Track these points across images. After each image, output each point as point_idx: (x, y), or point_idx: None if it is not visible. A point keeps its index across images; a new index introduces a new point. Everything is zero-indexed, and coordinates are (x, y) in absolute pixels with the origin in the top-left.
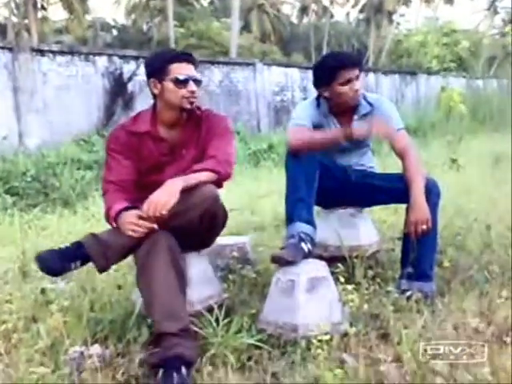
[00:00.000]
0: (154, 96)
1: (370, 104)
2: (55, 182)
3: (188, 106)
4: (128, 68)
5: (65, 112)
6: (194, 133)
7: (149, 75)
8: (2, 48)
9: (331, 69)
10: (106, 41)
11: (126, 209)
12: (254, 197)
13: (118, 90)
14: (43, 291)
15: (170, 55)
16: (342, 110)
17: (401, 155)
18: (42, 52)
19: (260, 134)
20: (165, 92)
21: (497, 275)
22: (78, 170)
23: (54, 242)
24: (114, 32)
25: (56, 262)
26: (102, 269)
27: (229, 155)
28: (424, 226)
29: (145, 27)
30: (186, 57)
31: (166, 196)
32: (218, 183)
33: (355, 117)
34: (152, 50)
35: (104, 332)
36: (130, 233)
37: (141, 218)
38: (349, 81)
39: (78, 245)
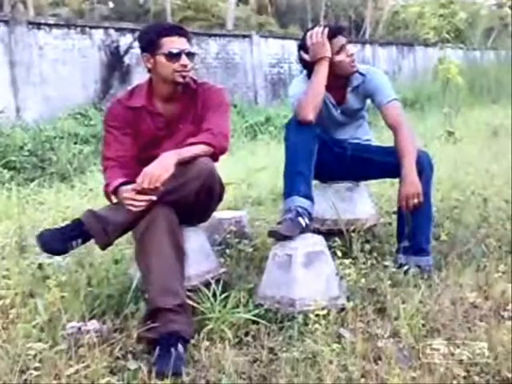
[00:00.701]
0: (149, 70)
1: (362, 75)
2: (52, 157)
3: (180, 80)
4: (124, 41)
5: (62, 86)
6: (190, 106)
7: (142, 50)
8: None
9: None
10: (103, 13)
11: (123, 184)
12: (251, 170)
13: (115, 63)
14: (40, 266)
15: (162, 29)
16: (337, 82)
17: (393, 128)
18: (38, 25)
19: (257, 106)
20: (157, 66)
21: (494, 249)
22: (75, 145)
23: (52, 217)
24: (111, 4)
25: (57, 242)
26: (104, 245)
27: (224, 128)
28: (415, 200)
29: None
30: (177, 30)
31: (159, 169)
32: (214, 156)
33: (348, 89)
34: (149, 22)
35: (101, 307)
36: (130, 207)
37: (138, 192)
38: (342, 48)
39: (77, 222)
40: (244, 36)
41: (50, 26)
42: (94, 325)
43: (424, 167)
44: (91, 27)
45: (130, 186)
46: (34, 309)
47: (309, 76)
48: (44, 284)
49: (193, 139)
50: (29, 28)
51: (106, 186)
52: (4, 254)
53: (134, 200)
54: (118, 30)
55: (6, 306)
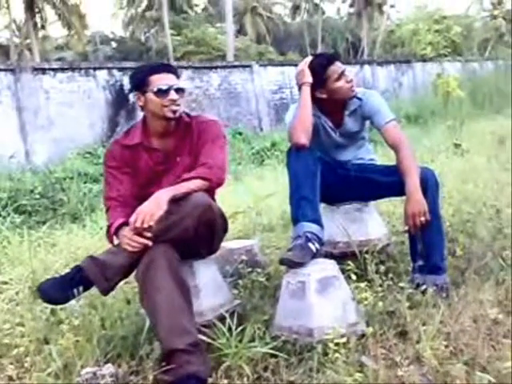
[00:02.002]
0: (142, 108)
1: (359, 99)
2: (63, 197)
3: (171, 115)
4: (128, 79)
5: (69, 127)
6: (185, 140)
7: (133, 89)
8: (5, 70)
9: (322, 67)
10: (107, 54)
11: (124, 224)
12: (259, 197)
13: (120, 102)
14: (53, 311)
15: (150, 68)
16: (334, 107)
17: (394, 147)
18: (43, 70)
19: (262, 132)
20: (148, 103)
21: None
22: (85, 184)
23: (64, 259)
24: (114, 44)
25: (57, 291)
26: (105, 291)
27: (220, 160)
28: (422, 218)
29: (143, 38)
30: (165, 67)
31: (152, 207)
32: (211, 190)
33: (346, 112)
34: (151, 60)
35: (116, 350)
36: (126, 247)
37: (135, 232)
38: (341, 74)
39: (77, 269)
40: (244, 66)
41: (54, 70)
42: (109, 369)
43: (429, 185)
44: (95, 68)
45: (127, 228)
46: (48, 356)
47: None
48: (58, 329)
49: (187, 174)
50: (34, 74)
51: (109, 227)
52: (18, 301)
53: (130, 240)
54: (120, 69)
55: (21, 355)
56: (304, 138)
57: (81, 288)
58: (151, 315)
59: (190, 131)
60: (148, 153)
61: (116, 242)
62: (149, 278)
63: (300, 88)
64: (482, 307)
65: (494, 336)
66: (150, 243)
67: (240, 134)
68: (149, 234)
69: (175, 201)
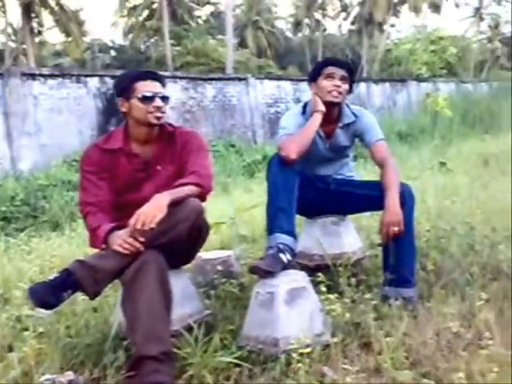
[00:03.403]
0: (124, 114)
1: (355, 115)
2: (44, 205)
3: (155, 122)
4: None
5: (57, 134)
6: (167, 149)
7: (117, 95)
8: None
9: (321, 63)
10: (105, 62)
11: (114, 229)
12: (243, 208)
13: (111, 110)
14: (18, 318)
15: (136, 74)
16: (329, 117)
17: (380, 164)
18: (32, 76)
19: (256, 145)
20: (132, 109)
21: (478, 276)
22: (68, 192)
23: (39, 266)
24: (113, 53)
25: (50, 295)
26: (93, 295)
27: (208, 169)
28: (396, 228)
29: (142, 47)
30: (151, 75)
31: (154, 210)
32: (202, 197)
33: (339, 124)
34: (150, 69)
35: (79, 357)
36: (119, 249)
37: (131, 235)
38: (332, 76)
39: (67, 273)
40: (240, 79)
41: (44, 76)
42: (69, 376)
43: (406, 199)
44: (86, 75)
45: (121, 231)
46: (11, 363)
47: (304, 108)
48: (23, 336)
49: (182, 180)
50: (23, 79)
51: (93, 231)
52: None
53: (124, 242)
54: (113, 77)
55: None
56: (296, 155)
57: (70, 291)
58: (130, 318)
59: (173, 141)
60: (128, 158)
61: (102, 246)
62: (136, 282)
63: (312, 114)
64: (445, 320)
65: (453, 348)
66: (142, 248)
67: (233, 146)
68: (142, 239)
69: (171, 205)
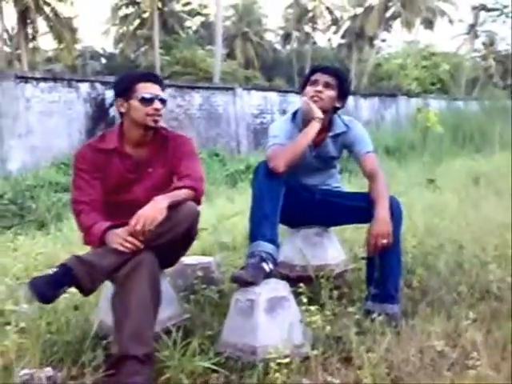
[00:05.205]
0: (121, 115)
1: (346, 125)
2: (32, 205)
3: (152, 124)
4: (110, 94)
5: (47, 136)
6: (160, 152)
7: (116, 95)
8: None
9: (309, 71)
10: (95, 69)
11: (111, 227)
12: (225, 216)
13: (100, 115)
14: (1, 313)
15: (136, 75)
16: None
17: (369, 177)
18: (25, 79)
19: (239, 155)
20: (131, 110)
21: (465, 296)
22: (56, 193)
23: (23, 263)
24: (103, 60)
25: (48, 289)
26: (88, 291)
27: (200, 173)
28: (384, 240)
29: (132, 55)
30: (151, 77)
31: (154, 212)
32: (196, 200)
33: (329, 133)
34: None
35: (59, 354)
36: (118, 247)
37: (130, 234)
38: (316, 82)
39: (66, 268)
40: (227, 89)
41: (37, 79)
42: (48, 372)
43: (394, 212)
44: (77, 80)
45: (120, 230)
46: None
47: (293, 115)
48: (4, 330)
49: (177, 184)
50: (16, 82)
51: (88, 229)
52: None
53: (124, 240)
54: (103, 83)
55: None
56: (284, 168)
57: (66, 286)
58: (119, 316)
59: (166, 144)
60: (120, 158)
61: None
62: (129, 281)
63: (308, 122)
64: (430, 339)
65: (437, 367)
66: (141, 246)
67: (217, 155)
68: (141, 246)
69: (169, 208)
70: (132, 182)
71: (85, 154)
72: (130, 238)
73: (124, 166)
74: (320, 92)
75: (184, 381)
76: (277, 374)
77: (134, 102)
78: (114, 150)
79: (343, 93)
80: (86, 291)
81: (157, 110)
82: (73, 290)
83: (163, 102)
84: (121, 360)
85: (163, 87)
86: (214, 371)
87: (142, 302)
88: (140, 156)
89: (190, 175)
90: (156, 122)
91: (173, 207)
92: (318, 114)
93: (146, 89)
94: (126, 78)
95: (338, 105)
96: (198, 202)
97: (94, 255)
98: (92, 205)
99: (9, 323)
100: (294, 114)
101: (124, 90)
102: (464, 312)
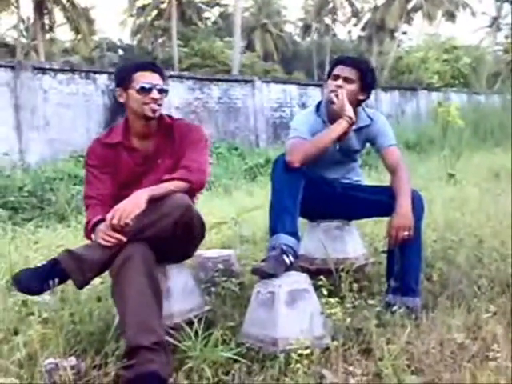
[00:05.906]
0: (123, 105)
1: (370, 118)
2: (51, 197)
3: (150, 114)
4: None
5: (65, 129)
6: (167, 142)
7: (116, 84)
8: (5, 66)
9: (333, 63)
10: (112, 60)
11: (101, 221)
12: (244, 209)
13: (118, 108)
14: (24, 303)
15: (135, 65)
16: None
17: (392, 170)
18: (43, 70)
19: (258, 149)
20: (129, 100)
21: (486, 289)
22: (75, 186)
23: (44, 256)
24: (120, 52)
25: (33, 281)
26: (80, 284)
27: (201, 164)
28: (405, 233)
29: (150, 47)
30: (151, 66)
31: (130, 205)
32: (192, 192)
33: (353, 127)
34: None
35: (82, 344)
36: (102, 242)
37: (113, 228)
38: (336, 77)
39: (53, 262)
40: (246, 81)
41: (55, 71)
42: (71, 361)
43: (416, 206)
44: (95, 72)
45: (101, 224)
46: (16, 345)
47: (317, 107)
48: (28, 321)
49: (168, 176)
50: (34, 73)
51: (86, 223)
52: None
53: (105, 235)
54: None
55: None
56: (299, 164)
57: (56, 280)
58: (120, 310)
59: (172, 133)
60: (127, 152)
61: (93, 237)
62: (123, 273)
63: (336, 119)
64: (450, 331)
65: (457, 360)
66: (124, 239)
67: (236, 149)
68: (124, 239)
69: (154, 200)
70: (141, 174)
71: (94, 150)
72: (109, 233)
73: (132, 159)
74: (340, 87)
75: (206, 371)
76: (298, 365)
77: (132, 92)
78: (120, 144)
79: (366, 84)
80: (77, 284)
81: (154, 99)
82: (96, 281)
83: (163, 91)
84: (131, 352)
85: (163, 77)
86: (236, 361)
87: (139, 292)
88: (147, 148)
89: (188, 166)
90: (154, 111)
91: (157, 200)
92: (350, 112)
93: (144, 78)
94: (124, 68)
95: (361, 97)
96: (193, 195)
97: (84, 249)
98: (99, 199)
99: (32, 313)
100: (318, 106)
101: (123, 80)
102: (484, 305)
